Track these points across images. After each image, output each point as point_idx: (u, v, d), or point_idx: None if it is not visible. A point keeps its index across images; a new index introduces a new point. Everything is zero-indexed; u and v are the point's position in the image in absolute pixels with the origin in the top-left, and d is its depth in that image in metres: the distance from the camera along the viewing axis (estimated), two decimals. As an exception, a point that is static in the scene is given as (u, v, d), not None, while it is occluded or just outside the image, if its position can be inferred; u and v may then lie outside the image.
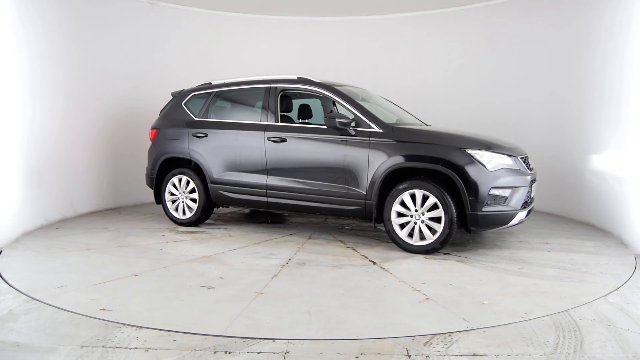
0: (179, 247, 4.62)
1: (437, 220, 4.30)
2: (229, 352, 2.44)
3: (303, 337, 2.64)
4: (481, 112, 7.32)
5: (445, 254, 4.42)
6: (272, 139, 5.00)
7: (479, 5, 7.26)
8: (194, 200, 5.51)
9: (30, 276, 3.69)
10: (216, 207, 5.62)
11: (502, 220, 4.30)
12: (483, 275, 3.78)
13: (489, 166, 4.22)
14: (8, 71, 4.88)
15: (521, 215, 4.38)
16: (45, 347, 2.49)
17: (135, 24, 6.97)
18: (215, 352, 2.44)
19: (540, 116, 6.72)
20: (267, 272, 3.83)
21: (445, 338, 2.65)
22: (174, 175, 5.60)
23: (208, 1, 7.42)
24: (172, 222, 5.66)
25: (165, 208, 5.69)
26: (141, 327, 2.72)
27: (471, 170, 4.20)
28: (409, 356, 2.43)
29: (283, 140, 4.95)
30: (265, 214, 6.38)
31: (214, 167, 5.33)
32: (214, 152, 5.33)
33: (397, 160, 4.44)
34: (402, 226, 4.45)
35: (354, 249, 4.60)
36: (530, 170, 4.72)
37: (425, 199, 4.34)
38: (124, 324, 2.76)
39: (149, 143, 5.89)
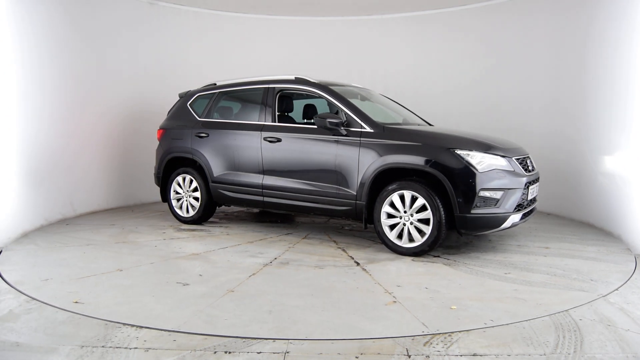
0: (173, 244, 4.75)
1: (426, 222, 4.22)
2: (229, 352, 2.45)
3: (255, 335, 2.66)
4: (481, 112, 7.26)
5: (435, 256, 4.33)
6: (268, 139, 5.05)
7: (479, 6, 7.25)
8: (196, 199, 5.63)
9: (23, 268, 3.88)
10: (218, 206, 5.73)
11: (493, 223, 4.17)
12: (464, 280, 3.67)
13: (479, 167, 4.10)
14: (8, 71, 4.91)
15: (514, 218, 4.23)
16: (45, 347, 2.51)
17: (135, 24, 6.99)
18: (215, 352, 2.45)
19: (541, 116, 6.67)
20: (247, 270, 3.88)
21: (445, 338, 2.65)
22: (178, 174, 5.75)
23: (208, 1, 7.44)
24: (176, 220, 5.81)
25: (170, 206, 5.85)
26: (141, 327, 2.74)
27: (459, 171, 4.10)
28: (409, 356, 2.43)
29: (278, 140, 4.99)
30: (274, 213, 6.44)
31: (215, 167, 5.43)
32: (215, 151, 5.43)
33: (387, 160, 4.38)
34: (392, 227, 4.39)
35: (343, 250, 4.57)
36: (530, 171, 4.56)
37: (414, 200, 4.27)
38: (124, 324, 2.77)
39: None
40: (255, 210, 6.66)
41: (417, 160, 4.25)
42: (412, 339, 2.62)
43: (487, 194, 4.10)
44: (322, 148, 4.73)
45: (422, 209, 4.23)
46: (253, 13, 7.80)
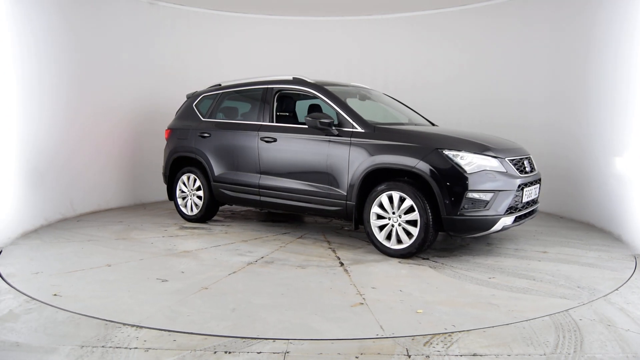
0: (170, 241, 4.87)
1: (414, 223, 4.15)
2: (229, 352, 2.46)
3: (223, 333, 2.69)
4: (482, 111, 7.21)
5: (424, 258, 4.26)
6: (265, 139, 5.09)
7: (479, 6, 7.24)
8: (200, 197, 5.75)
9: (20, 262, 4.07)
10: (220, 205, 5.83)
11: (482, 225, 4.05)
12: (444, 283, 3.59)
13: (468, 168, 4.00)
14: (8, 71, 4.91)
15: (506, 221, 4.10)
16: (45, 347, 2.52)
17: (134, 24, 6.98)
18: (215, 352, 2.46)
19: (540, 116, 6.64)
20: (230, 268, 3.93)
21: (445, 338, 2.64)
22: (183, 173, 5.89)
23: (208, 1, 7.45)
24: (182, 219, 5.96)
25: (176, 204, 6.00)
26: (141, 327, 2.74)
27: (446, 172, 4.01)
28: (409, 356, 2.43)
29: (274, 140, 5.03)
30: (279, 213, 6.48)
31: (216, 166, 5.53)
32: (216, 151, 5.53)
33: (375, 160, 4.34)
34: (381, 228, 4.35)
35: (333, 250, 4.56)
36: (527, 172, 4.40)
37: (402, 201, 4.21)
38: (124, 324, 2.78)
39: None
40: (264, 209, 6.72)
41: (405, 161, 4.19)
42: (412, 339, 2.62)
43: (475, 195, 3.99)
44: (315, 148, 4.73)
45: (410, 210, 4.17)
46: (253, 13, 7.85)
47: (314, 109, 5.48)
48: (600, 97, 5.54)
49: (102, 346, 2.52)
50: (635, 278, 3.76)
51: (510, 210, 4.13)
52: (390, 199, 4.27)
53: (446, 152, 4.06)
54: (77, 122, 6.11)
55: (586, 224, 5.73)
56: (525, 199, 4.31)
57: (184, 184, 5.89)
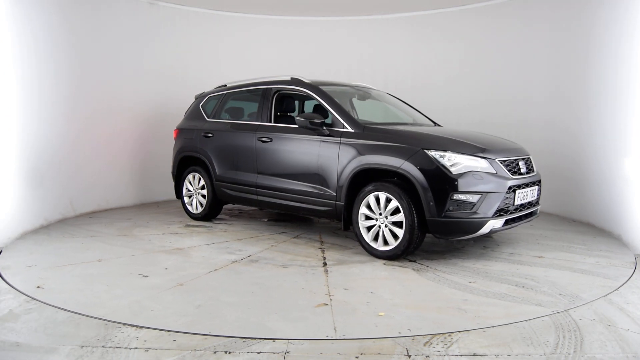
0: (168, 239, 4.99)
1: (400, 225, 4.09)
2: (229, 352, 2.46)
3: (180, 329, 2.75)
4: (482, 111, 7.16)
5: (411, 260, 4.19)
6: (262, 139, 5.14)
7: (479, 6, 7.17)
8: (204, 196, 5.87)
9: (19, 256, 4.27)
10: (224, 203, 5.92)
11: (468, 228, 3.93)
12: (420, 286, 3.52)
13: (453, 169, 3.90)
14: (8, 71, 4.91)
15: (494, 223, 3.96)
16: (45, 347, 2.52)
17: (134, 24, 6.96)
18: (215, 352, 2.46)
19: (541, 116, 6.60)
20: (213, 266, 4.00)
21: (445, 338, 2.64)
22: (189, 172, 6.03)
23: (208, 1, 7.45)
24: (188, 216, 6.10)
25: (182, 203, 6.16)
26: (141, 327, 2.75)
27: (431, 173, 3.92)
28: (409, 356, 2.44)
29: (270, 140, 5.08)
30: (287, 212, 6.51)
31: (218, 166, 5.63)
32: (218, 151, 5.63)
33: (363, 161, 4.30)
34: (370, 229, 4.30)
35: (323, 250, 4.55)
36: (522, 174, 4.25)
37: (388, 202, 4.15)
38: (124, 324, 2.79)
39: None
40: (264, 209, 6.77)
41: (391, 161, 4.13)
42: (412, 339, 2.61)
43: (461, 197, 3.88)
44: (307, 148, 4.74)
45: (396, 211, 4.10)
46: (253, 13, 7.86)
47: (318, 109, 5.49)
48: (600, 97, 5.48)
49: (102, 346, 2.53)
50: (635, 278, 3.71)
51: (499, 212, 4.00)
52: (378, 199, 4.22)
53: (431, 152, 3.98)
54: (77, 122, 6.13)
55: (597, 229, 5.47)
56: (518, 202, 4.15)
57: (190, 183, 6.03)
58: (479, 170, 3.96)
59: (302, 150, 4.78)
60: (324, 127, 4.60)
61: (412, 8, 7.56)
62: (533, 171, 4.51)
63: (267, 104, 5.28)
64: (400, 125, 4.83)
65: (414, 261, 4.17)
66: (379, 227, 4.23)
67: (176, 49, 7.50)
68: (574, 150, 5.99)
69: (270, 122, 5.20)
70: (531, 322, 2.85)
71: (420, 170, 3.95)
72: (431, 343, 2.58)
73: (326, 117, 4.73)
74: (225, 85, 6.01)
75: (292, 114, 5.41)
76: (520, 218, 4.28)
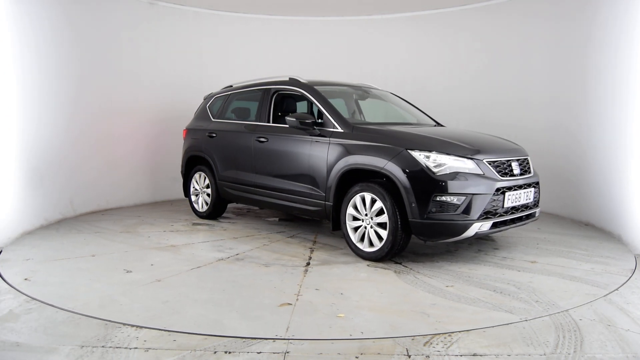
0: (166, 236, 5.12)
1: (385, 226, 4.03)
2: (229, 352, 2.46)
3: (138, 323, 2.82)
4: (483, 111, 7.12)
5: (396, 262, 4.12)
6: (259, 138, 5.19)
7: (479, 5, 7.16)
8: (209, 195, 5.99)
9: (22, 249, 4.49)
10: (228, 202, 6.01)
11: (452, 230, 3.82)
12: (394, 289, 3.46)
13: (436, 170, 3.80)
14: (8, 71, 4.92)
15: (480, 226, 3.82)
16: (45, 347, 2.52)
17: (134, 24, 6.96)
18: (215, 352, 2.46)
19: (541, 116, 6.58)
20: (197, 263, 4.07)
21: (445, 338, 2.64)
22: (195, 171, 6.17)
23: (209, 1, 7.45)
24: (194, 215, 6.23)
25: (190, 201, 6.30)
26: (141, 327, 2.76)
27: (413, 174, 3.84)
28: (409, 356, 2.44)
29: (267, 140, 5.12)
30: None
31: (220, 165, 5.73)
32: (220, 151, 5.73)
33: (349, 161, 4.27)
34: (357, 230, 4.27)
35: (312, 250, 4.55)
36: (515, 175, 4.10)
37: (373, 202, 4.10)
38: (124, 324, 2.80)
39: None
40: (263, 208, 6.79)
41: (375, 161, 4.08)
42: (412, 339, 2.61)
43: (444, 198, 3.78)
44: (299, 148, 4.75)
45: (381, 212, 4.05)
46: (253, 13, 7.86)
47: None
48: (600, 97, 5.45)
49: (102, 346, 2.53)
50: (635, 278, 3.70)
51: (486, 215, 3.86)
52: (364, 200, 4.18)
53: (415, 152, 3.89)
54: (77, 122, 6.14)
55: (605, 234, 5.22)
56: (508, 204, 4.00)
57: (196, 182, 6.17)
58: (464, 171, 3.85)
59: (295, 150, 4.79)
60: (315, 127, 4.59)
61: (412, 8, 7.54)
62: (529, 172, 4.34)
63: (266, 104, 5.33)
64: (394, 125, 4.75)
65: (400, 263, 4.10)
66: (365, 228, 4.19)
67: (176, 49, 7.50)
68: (574, 150, 5.96)
69: (269, 122, 5.24)
70: (531, 322, 2.83)
71: (403, 170, 3.88)
72: (431, 343, 2.58)
73: (320, 117, 4.72)
74: (231, 86, 6.11)
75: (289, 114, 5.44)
76: (513, 221, 4.12)
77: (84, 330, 2.73)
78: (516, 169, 4.16)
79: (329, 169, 4.43)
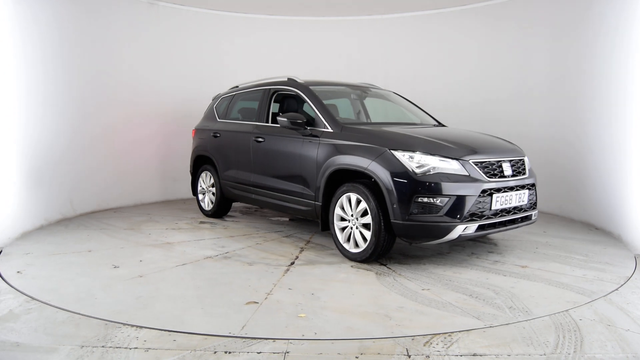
0: (167, 233, 5.23)
1: (370, 227, 3.98)
2: (229, 352, 2.46)
3: (105, 317, 2.91)
4: (482, 110, 7.10)
5: (382, 264, 4.07)
6: (257, 139, 5.24)
7: (479, 6, 7.16)
8: (214, 194, 6.10)
9: (25, 244, 4.69)
10: (232, 201, 6.09)
11: (434, 232, 3.73)
12: (367, 291, 3.41)
13: (418, 170, 3.72)
14: (9, 71, 4.92)
15: (465, 228, 3.71)
16: (45, 347, 2.52)
17: (134, 24, 6.97)
18: (215, 352, 2.46)
19: (541, 116, 6.57)
20: (184, 260, 4.15)
21: (445, 338, 2.65)
22: (202, 171, 6.29)
23: (209, 1, 7.44)
24: (201, 213, 6.35)
25: (197, 200, 6.43)
26: (141, 327, 2.76)
27: (395, 174, 3.78)
28: (409, 356, 2.44)
29: (263, 140, 5.16)
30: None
31: (223, 165, 5.82)
32: (223, 150, 5.82)
33: (336, 161, 4.24)
34: (344, 230, 4.24)
35: (302, 250, 4.55)
36: (506, 176, 3.96)
37: (359, 203, 4.06)
38: (124, 324, 2.80)
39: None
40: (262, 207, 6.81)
41: (359, 162, 4.04)
42: (412, 339, 2.62)
43: (426, 199, 3.69)
44: (292, 148, 4.76)
45: (365, 213, 4.00)
46: (254, 13, 7.86)
47: (330, 108, 5.46)
48: (600, 96, 5.42)
49: (102, 346, 2.53)
50: (635, 278, 3.69)
51: (472, 217, 3.75)
52: (350, 200, 4.14)
53: (398, 152, 3.83)
54: (77, 121, 6.16)
55: (613, 240, 4.98)
56: (497, 206, 3.87)
57: (203, 181, 6.29)
58: (449, 172, 3.75)
59: (288, 150, 4.81)
60: (307, 127, 4.59)
61: (412, 8, 7.51)
62: (523, 174, 4.18)
63: (265, 104, 5.37)
64: (390, 125, 4.68)
65: (385, 265, 4.04)
66: (351, 228, 4.15)
67: (176, 49, 7.51)
68: (574, 150, 5.93)
69: (267, 122, 5.28)
70: (531, 322, 2.83)
71: (386, 171, 3.82)
72: (431, 343, 2.57)
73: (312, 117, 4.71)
74: (237, 87, 6.19)
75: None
76: (504, 224, 3.99)
77: (84, 330, 2.74)
78: (507, 170, 4.01)
79: (318, 169, 4.42)
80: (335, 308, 3.07)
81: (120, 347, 2.51)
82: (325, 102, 5.58)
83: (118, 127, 6.85)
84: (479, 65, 7.26)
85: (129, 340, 2.60)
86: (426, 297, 3.26)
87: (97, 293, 3.33)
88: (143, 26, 7.12)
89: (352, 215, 4.13)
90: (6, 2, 4.88)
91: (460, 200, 3.70)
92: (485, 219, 3.82)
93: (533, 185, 4.25)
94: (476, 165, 3.84)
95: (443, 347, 2.51)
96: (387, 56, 7.92)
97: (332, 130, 4.41)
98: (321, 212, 4.42)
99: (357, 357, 2.40)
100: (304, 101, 4.99)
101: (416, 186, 3.69)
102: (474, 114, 7.14)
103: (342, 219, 4.25)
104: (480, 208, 3.78)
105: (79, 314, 2.97)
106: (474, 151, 3.95)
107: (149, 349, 2.50)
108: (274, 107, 5.40)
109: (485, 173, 3.86)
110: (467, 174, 3.78)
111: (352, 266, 4.02)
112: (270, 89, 5.38)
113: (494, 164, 3.96)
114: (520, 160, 4.24)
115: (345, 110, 5.82)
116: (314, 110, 4.67)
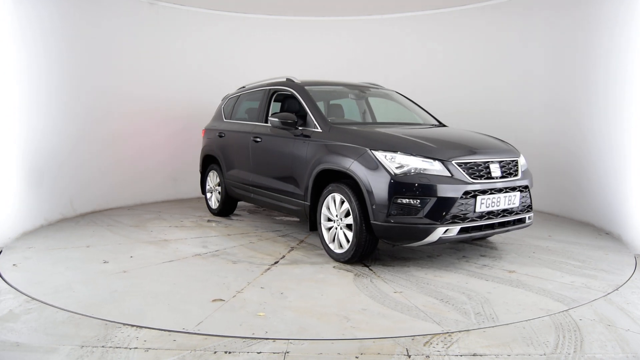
0: (167, 231, 5.35)
1: (352, 228, 3.95)
2: (229, 352, 2.47)
3: (77, 310, 3.02)
4: (482, 110, 7.09)
5: (365, 265, 4.03)
6: (255, 138, 5.29)
7: (479, 6, 7.16)
8: (220, 192, 6.20)
9: (33, 238, 4.92)
10: (237, 200, 6.16)
11: (414, 234, 3.65)
12: (340, 292, 3.38)
13: (397, 170, 3.66)
14: (10, 71, 4.91)
15: (445, 231, 3.60)
16: (45, 347, 2.52)
17: (134, 24, 6.96)
18: (215, 352, 2.46)
19: (541, 115, 6.54)
20: (172, 257, 4.24)
21: (445, 338, 2.66)
22: (210, 170, 6.41)
23: (209, 1, 7.42)
24: (209, 212, 6.47)
25: (205, 199, 6.55)
26: (141, 327, 2.76)
27: (375, 175, 3.72)
28: (409, 356, 2.45)
29: (260, 139, 5.20)
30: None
31: (227, 164, 5.91)
32: (227, 150, 5.91)
33: (322, 161, 4.23)
34: (330, 231, 4.22)
35: (292, 250, 4.56)
36: (493, 178, 3.83)
37: (342, 203, 4.03)
38: (124, 324, 2.81)
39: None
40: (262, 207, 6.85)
41: (343, 162, 4.00)
42: (412, 339, 2.63)
43: (405, 201, 3.62)
44: (285, 148, 4.78)
45: (349, 213, 3.97)
46: (253, 13, 7.84)
47: (336, 108, 5.46)
48: (600, 96, 5.39)
49: (102, 346, 2.53)
50: (635, 278, 3.69)
51: (453, 220, 3.64)
52: (335, 201, 4.12)
53: (378, 153, 3.77)
54: (77, 121, 6.15)
55: (619, 245, 4.72)
56: (482, 209, 3.74)
57: (210, 180, 6.41)
58: (430, 172, 3.66)
59: (280, 149, 4.84)
60: (298, 127, 4.60)
61: (412, 8, 7.47)
62: (515, 175, 4.02)
63: (264, 104, 5.41)
64: (387, 126, 4.63)
65: (368, 266, 3.99)
66: (336, 229, 4.13)
67: (176, 49, 7.50)
68: (574, 150, 5.91)
69: (266, 122, 5.32)
70: (531, 322, 2.84)
71: (366, 171, 3.77)
72: (431, 343, 2.57)
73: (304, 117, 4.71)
74: (244, 87, 6.27)
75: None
76: (491, 226, 3.85)
77: (84, 330, 2.74)
78: (496, 172, 3.87)
79: (307, 169, 4.41)
80: (297, 308, 3.07)
81: (120, 347, 2.52)
82: (331, 102, 5.63)
83: (118, 128, 6.86)
84: (479, 64, 7.20)
85: (129, 340, 2.60)
86: (394, 300, 3.20)
87: (77, 286, 3.45)
88: (143, 26, 7.12)
89: (336, 216, 4.11)
90: (7, 3, 4.91)
91: (440, 201, 3.61)
92: (469, 221, 3.70)
93: (526, 187, 4.08)
94: (459, 166, 3.73)
95: (443, 347, 2.51)
96: (387, 56, 7.90)
97: (321, 130, 4.40)
98: (309, 212, 4.42)
99: (357, 357, 2.41)
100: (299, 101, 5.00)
101: (395, 187, 3.63)
102: (473, 113, 7.08)
103: (329, 219, 4.23)
104: (462, 210, 3.67)
105: (79, 314, 2.96)
106: (459, 152, 3.83)
107: (149, 349, 2.51)
108: (275, 107, 5.43)
109: (470, 174, 3.74)
110: (450, 175, 3.67)
111: (334, 267, 4.00)
112: (270, 89, 5.42)
113: (481, 164, 3.84)
114: (512, 161, 4.08)
115: (351, 110, 5.80)
116: (306, 110, 4.67)
